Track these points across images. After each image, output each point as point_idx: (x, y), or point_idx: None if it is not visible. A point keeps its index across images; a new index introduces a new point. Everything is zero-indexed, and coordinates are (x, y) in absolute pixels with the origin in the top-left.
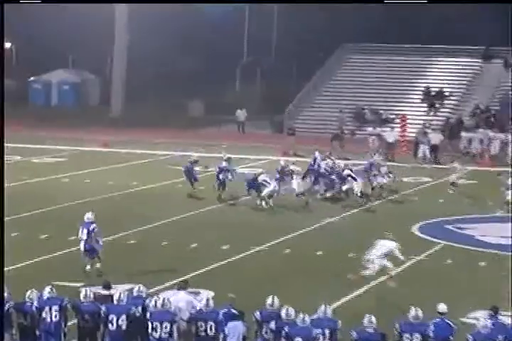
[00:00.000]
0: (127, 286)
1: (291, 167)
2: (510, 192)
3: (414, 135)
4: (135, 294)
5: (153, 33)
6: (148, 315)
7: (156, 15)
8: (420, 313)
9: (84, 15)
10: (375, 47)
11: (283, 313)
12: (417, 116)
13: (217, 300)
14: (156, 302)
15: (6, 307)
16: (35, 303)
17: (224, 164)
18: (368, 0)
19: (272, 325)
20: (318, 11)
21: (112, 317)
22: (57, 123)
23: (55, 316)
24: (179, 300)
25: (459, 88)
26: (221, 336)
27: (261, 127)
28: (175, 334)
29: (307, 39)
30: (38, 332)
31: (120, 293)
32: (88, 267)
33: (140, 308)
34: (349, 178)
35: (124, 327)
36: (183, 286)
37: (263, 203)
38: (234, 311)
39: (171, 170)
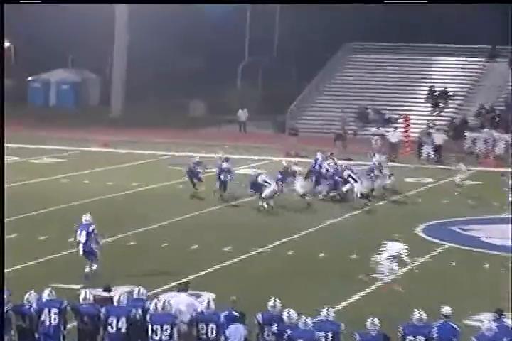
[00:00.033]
0: (127, 288)
1: (294, 168)
2: (510, 193)
3: (417, 135)
4: (135, 296)
5: (155, 32)
6: (148, 317)
7: (158, 15)
8: (424, 315)
9: (84, 15)
10: (379, 47)
11: (285, 316)
12: (421, 116)
13: (218, 302)
14: (156, 304)
15: (4, 310)
16: (34, 305)
17: (225, 165)
18: (368, 0)
19: (274, 327)
20: (321, 11)
21: (112, 319)
22: (56, 123)
23: (54, 319)
24: (180, 302)
25: (463, 87)
26: (222, 339)
27: (263, 127)
28: (175, 337)
29: (309, 39)
30: (36, 335)
31: (120, 295)
32: (87, 269)
33: (140, 311)
34: (349, 179)
35: (123, 329)
36: (183, 288)
37: (264, 204)
38: (235, 313)
39: (172, 171)
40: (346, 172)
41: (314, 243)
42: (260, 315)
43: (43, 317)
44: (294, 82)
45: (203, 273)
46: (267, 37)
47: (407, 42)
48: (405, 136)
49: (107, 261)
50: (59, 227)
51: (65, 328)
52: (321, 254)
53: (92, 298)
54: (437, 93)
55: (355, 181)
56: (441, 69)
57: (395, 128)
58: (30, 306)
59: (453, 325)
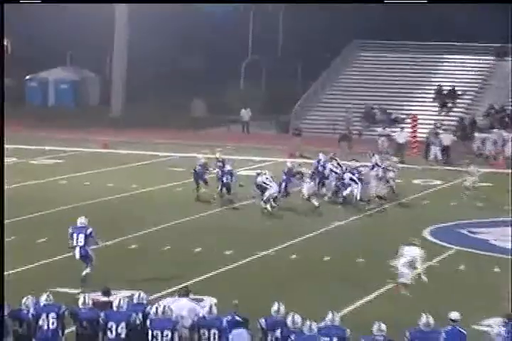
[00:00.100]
0: (127, 293)
1: (302, 169)
2: (510, 193)
3: (425, 136)
4: (135, 301)
5: (156, 32)
6: (148, 322)
7: (159, 15)
8: (431, 321)
9: (84, 15)
10: (385, 45)
11: (289, 321)
12: (429, 115)
13: (220, 306)
14: (156, 309)
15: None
16: (32, 310)
17: (228, 167)
18: (368, 0)
19: (278, 333)
20: (326, 10)
21: (111, 324)
22: (55, 124)
23: (53, 323)
24: (181, 307)
25: (472, 87)
26: None
27: (266, 127)
28: None
29: (314, 38)
30: None
31: (120, 300)
32: (84, 273)
33: (140, 315)
34: (351, 182)
35: (123, 335)
36: (185, 293)
37: (268, 206)
38: (238, 318)
39: (172, 172)
40: (347, 175)
41: (319, 246)
42: (264, 320)
43: (40, 322)
44: (298, 82)
45: (205, 277)
46: (271, 36)
47: (414, 40)
48: (412, 137)
49: (107, 264)
50: (57, 230)
51: (63, 333)
52: (326, 258)
53: (91, 303)
54: (445, 92)
55: (356, 184)
56: (449, 68)
57: (402, 128)
58: (28, 311)
59: (461, 330)
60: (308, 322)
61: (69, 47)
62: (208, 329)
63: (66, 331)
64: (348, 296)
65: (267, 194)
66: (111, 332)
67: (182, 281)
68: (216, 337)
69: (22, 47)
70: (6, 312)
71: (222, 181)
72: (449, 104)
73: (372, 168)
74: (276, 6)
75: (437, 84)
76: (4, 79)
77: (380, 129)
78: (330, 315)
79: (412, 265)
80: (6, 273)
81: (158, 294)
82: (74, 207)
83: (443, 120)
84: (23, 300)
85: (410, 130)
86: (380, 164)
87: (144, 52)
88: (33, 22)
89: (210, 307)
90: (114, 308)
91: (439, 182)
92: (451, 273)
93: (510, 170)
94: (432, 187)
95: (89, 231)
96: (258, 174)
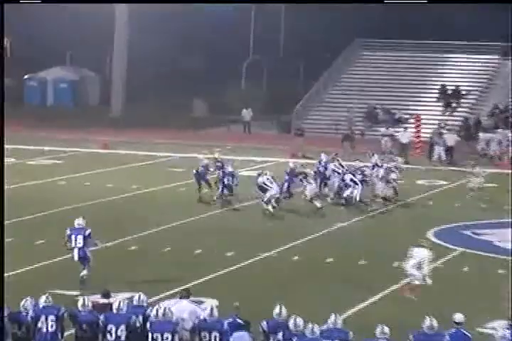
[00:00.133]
0: (127, 294)
1: (306, 170)
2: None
3: (429, 136)
4: (135, 303)
5: (157, 32)
6: (148, 325)
7: (160, 15)
8: (435, 323)
9: (83, 14)
10: (388, 44)
11: (291, 323)
12: (432, 115)
13: (221, 309)
14: (157, 311)
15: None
16: (31, 313)
17: (230, 169)
18: (368, 0)
19: (280, 335)
20: (325, 10)
21: (111, 327)
22: (54, 124)
23: (52, 326)
24: (182, 309)
25: (476, 86)
26: None
27: (267, 127)
28: None
29: (315, 37)
30: None
31: (120, 302)
32: (82, 274)
33: (141, 318)
34: (351, 183)
35: (123, 337)
36: (185, 295)
37: (269, 207)
38: (239, 321)
39: (172, 173)
40: (348, 176)
41: (321, 248)
42: (265, 322)
43: (39, 325)
44: (300, 81)
45: (206, 278)
46: (272, 36)
47: (418, 39)
48: (416, 137)
49: (107, 266)
50: (56, 231)
51: (62, 336)
52: (328, 259)
53: (90, 305)
54: (449, 92)
55: (357, 185)
56: (453, 67)
57: (406, 128)
58: (27, 313)
59: (465, 332)
60: (310, 325)
61: (69, 47)
62: (209, 332)
63: (65, 334)
64: (351, 298)
65: (267, 195)
66: (110, 334)
67: (183, 283)
68: (217, 339)
69: (22, 47)
70: (5, 314)
71: (223, 182)
72: (453, 104)
73: (373, 168)
74: (278, 6)
75: (441, 83)
76: (4, 80)
77: (383, 129)
78: (332, 318)
79: (420, 267)
80: (8, 273)
81: (159, 296)
82: (73, 208)
83: (447, 120)
84: (22, 303)
85: (414, 130)
86: (379, 164)
87: (144, 52)
88: (33, 22)
89: (211, 309)
90: (114, 311)
91: (443, 182)
92: (455, 275)
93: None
94: (436, 188)
95: (87, 232)
96: (259, 174)
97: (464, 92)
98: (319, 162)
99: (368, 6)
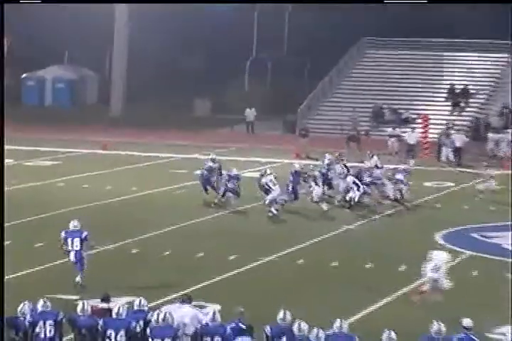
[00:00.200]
0: (127, 299)
1: (315, 173)
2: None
3: (436, 136)
4: (136, 308)
5: (159, 30)
6: (148, 330)
7: (162, 14)
8: (443, 328)
9: (84, 14)
10: (395, 42)
11: (295, 328)
12: (441, 115)
13: (224, 313)
14: (158, 316)
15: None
16: (28, 317)
17: (234, 171)
18: (368, 0)
19: (284, 340)
20: (332, 8)
21: (110, 332)
22: (52, 124)
23: (50, 331)
24: (184, 314)
25: (485, 85)
26: None
27: (272, 127)
28: None
29: (320, 36)
30: None
31: (119, 307)
32: (78, 278)
33: (142, 323)
34: (353, 185)
35: None
36: (187, 299)
37: (272, 209)
38: (242, 326)
39: (174, 174)
40: (351, 178)
41: (326, 251)
42: (269, 327)
43: (37, 330)
44: (305, 81)
45: (208, 283)
46: (276, 35)
47: (426, 37)
48: (424, 138)
49: (106, 270)
50: (55, 234)
51: None
52: (334, 263)
53: (89, 309)
54: (458, 91)
55: (359, 187)
56: (462, 66)
57: (413, 128)
58: (24, 318)
59: (474, 338)
60: (315, 330)
61: (68, 47)
62: (211, 337)
63: (64, 339)
64: (357, 303)
65: (269, 197)
66: (110, 340)
67: (184, 287)
68: None
69: (21, 47)
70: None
71: (227, 185)
72: (462, 104)
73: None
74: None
75: (450, 82)
76: (4, 80)
77: (389, 129)
78: (338, 322)
79: (439, 270)
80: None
81: (160, 301)
82: (72, 211)
83: (455, 120)
84: (20, 307)
85: (421, 130)
86: (379, 166)
87: (147, 50)
88: (32, 22)
89: (214, 314)
90: (114, 315)
91: (451, 184)
92: (464, 279)
93: None
94: (444, 190)
95: (84, 235)
96: (262, 175)
97: (472, 92)
98: (322, 162)
99: (374, 4)
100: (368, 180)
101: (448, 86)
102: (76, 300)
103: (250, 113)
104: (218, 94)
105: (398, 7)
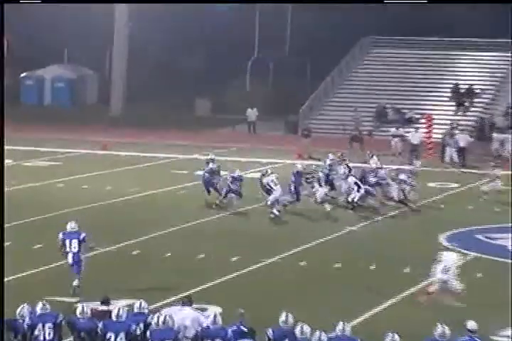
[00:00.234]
0: (127, 301)
1: (319, 174)
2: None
3: (440, 136)
4: (136, 310)
5: (159, 30)
6: (148, 333)
7: (163, 14)
8: (447, 331)
9: (84, 14)
10: (399, 41)
11: (297, 331)
12: (445, 115)
13: (225, 316)
14: (158, 319)
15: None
16: (27, 320)
17: (237, 173)
18: (368, 0)
19: None
20: (334, 7)
21: (110, 335)
22: (52, 124)
23: (49, 334)
24: (184, 316)
25: (490, 85)
26: None
27: (273, 128)
28: None
29: (321, 36)
30: None
31: (119, 309)
32: (76, 282)
33: (142, 325)
34: (354, 186)
35: None
36: (188, 302)
37: (274, 210)
38: (244, 328)
39: (175, 175)
40: (352, 179)
41: (329, 253)
42: (271, 330)
43: (36, 332)
44: (307, 80)
45: (209, 285)
46: (278, 35)
47: (429, 36)
48: (427, 138)
49: (106, 272)
50: (55, 235)
51: None
52: (337, 265)
53: (89, 312)
54: (462, 91)
55: (360, 188)
56: (466, 65)
57: (417, 128)
58: (23, 321)
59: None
60: (317, 333)
61: (68, 46)
62: (212, 340)
63: None
64: (360, 305)
65: (271, 198)
66: None
67: (184, 289)
68: None
69: (21, 47)
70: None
71: (230, 187)
72: (466, 104)
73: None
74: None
75: (454, 82)
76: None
77: (393, 129)
78: (340, 325)
79: (448, 271)
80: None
81: (160, 303)
82: (71, 212)
83: (459, 120)
84: (18, 310)
85: (425, 130)
86: (379, 166)
87: (148, 50)
88: (32, 21)
89: (215, 316)
90: (113, 318)
91: (455, 185)
92: (468, 281)
93: None
94: (448, 191)
95: (82, 236)
96: (263, 175)
97: (477, 91)
98: (324, 163)
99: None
100: (373, 180)
101: (452, 85)
102: (75, 302)
103: (252, 113)
104: (219, 94)
105: (398, 7)
